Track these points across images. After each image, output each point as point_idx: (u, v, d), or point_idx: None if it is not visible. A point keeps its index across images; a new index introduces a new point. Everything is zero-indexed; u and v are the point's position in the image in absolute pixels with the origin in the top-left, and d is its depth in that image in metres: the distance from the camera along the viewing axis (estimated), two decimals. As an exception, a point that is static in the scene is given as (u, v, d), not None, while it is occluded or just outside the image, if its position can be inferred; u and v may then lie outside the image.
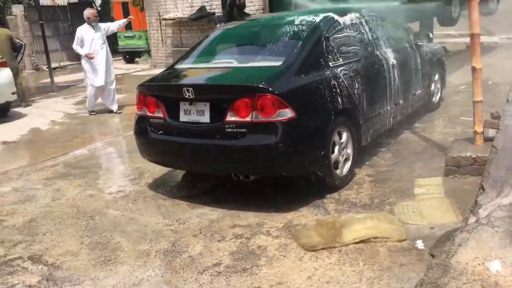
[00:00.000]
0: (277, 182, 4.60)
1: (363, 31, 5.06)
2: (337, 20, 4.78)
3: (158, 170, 5.38)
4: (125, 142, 6.90)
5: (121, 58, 18.54)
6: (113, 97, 8.68)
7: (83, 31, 8.31)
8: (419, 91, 6.08)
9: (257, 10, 12.46)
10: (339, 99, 4.34)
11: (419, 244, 3.33)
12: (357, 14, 5.14)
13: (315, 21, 4.60)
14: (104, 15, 21.81)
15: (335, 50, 4.57)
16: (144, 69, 15.39)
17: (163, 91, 4.43)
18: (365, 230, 3.55)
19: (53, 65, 16.85)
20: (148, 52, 16.59)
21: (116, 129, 7.78)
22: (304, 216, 4.00)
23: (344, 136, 4.47)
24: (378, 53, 5.16)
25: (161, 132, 4.43)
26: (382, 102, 5.13)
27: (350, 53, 4.76)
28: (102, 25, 8.60)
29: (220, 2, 12.88)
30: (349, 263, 3.20)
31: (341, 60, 4.57)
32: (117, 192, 4.94)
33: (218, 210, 4.28)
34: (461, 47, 12.58)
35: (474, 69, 4.28)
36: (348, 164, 4.56)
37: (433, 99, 6.70)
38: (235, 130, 3.96)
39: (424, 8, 8.90)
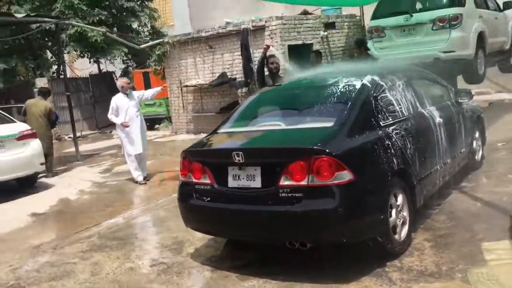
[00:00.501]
0: (329, 250, 4.32)
1: (407, 90, 4.94)
2: (381, 80, 4.67)
3: (198, 240, 5.14)
4: (158, 211, 6.69)
5: (142, 125, 18.72)
6: (145, 164, 8.55)
7: (118, 100, 8.29)
8: (463, 149, 5.88)
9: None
10: (394, 160, 4.15)
11: (509, 317, 3.00)
12: (400, 74, 5.05)
13: (361, 81, 4.49)
14: (125, 85, 22.36)
15: (384, 110, 4.43)
16: (165, 135, 15.44)
17: (210, 156, 4.28)
18: (443, 302, 3.24)
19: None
20: (168, 118, 16.74)
21: (147, 197, 7.58)
22: (369, 287, 3.69)
23: (400, 198, 4.23)
24: (424, 111, 5.02)
25: (208, 199, 4.24)
26: (432, 162, 4.92)
27: (398, 112, 4.61)
28: (136, 93, 8.64)
29: (241, 68, 13.09)
30: None
31: (390, 120, 4.42)
32: (158, 264, 4.68)
33: (272, 282, 3.98)
34: (483, 105, 12.48)
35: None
36: (405, 228, 4.28)
37: (476, 157, 6.48)
38: (290, 194, 3.76)
39: (451, 66, 8.88)
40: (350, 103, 4.24)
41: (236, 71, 13.41)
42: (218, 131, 4.77)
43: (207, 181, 4.23)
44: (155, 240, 5.50)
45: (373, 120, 4.23)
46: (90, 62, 21.04)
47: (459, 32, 8.91)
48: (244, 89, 13.35)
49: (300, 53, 12.53)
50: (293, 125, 4.26)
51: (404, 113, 4.68)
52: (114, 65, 22.66)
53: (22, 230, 6.45)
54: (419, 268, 3.89)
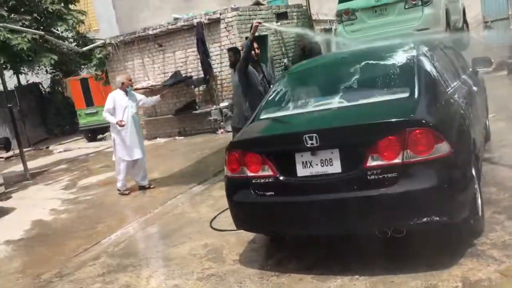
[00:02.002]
0: (396, 238, 3.84)
1: (448, 59, 4.68)
2: (430, 49, 4.33)
3: (235, 244, 4.57)
4: (162, 220, 5.93)
5: (81, 137, 17.39)
6: (145, 171, 7.61)
7: (117, 96, 7.33)
8: (485, 119, 5.73)
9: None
10: (470, 129, 3.82)
11: None
12: (436, 43, 4.77)
13: (418, 51, 4.11)
14: (56, 96, 20.65)
15: (443, 78, 4.09)
16: (116, 145, 14.31)
17: (272, 144, 3.68)
18: None
19: (6, 154, 15.49)
20: (114, 127, 15.57)
21: (139, 208, 6.71)
22: (476, 269, 3.32)
23: (473, 170, 3.90)
24: (463, 79, 4.78)
25: (272, 193, 3.65)
26: (478, 131, 4.68)
27: (450, 81, 4.29)
28: (136, 94, 7.77)
29: (196, 65, 12.41)
30: None
31: (450, 88, 4.10)
32: (207, 277, 4.01)
33: (359, 278, 3.50)
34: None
35: None
36: (480, 202, 3.96)
37: (487, 127, 6.38)
38: (381, 176, 3.29)
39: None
40: (417, 72, 3.81)
41: (191, 69, 12.71)
42: (261, 117, 4.18)
43: (269, 173, 3.65)
44: (183, 251, 4.75)
45: (441, 88, 3.87)
46: (14, 74, 19.12)
47: (431, 9, 8.89)
48: (202, 87, 12.69)
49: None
50: (358, 100, 3.77)
51: (454, 81, 4.39)
52: (38, 75, 20.85)
53: (4, 262, 5.42)
54: (517, 243, 3.59)
